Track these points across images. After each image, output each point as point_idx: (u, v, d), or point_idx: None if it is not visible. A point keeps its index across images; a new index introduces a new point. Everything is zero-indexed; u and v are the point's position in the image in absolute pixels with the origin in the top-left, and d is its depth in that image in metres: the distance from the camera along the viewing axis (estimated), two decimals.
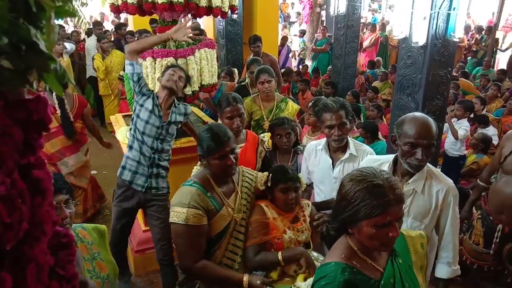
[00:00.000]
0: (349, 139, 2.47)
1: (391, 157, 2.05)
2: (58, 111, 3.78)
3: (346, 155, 2.41)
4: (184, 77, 2.82)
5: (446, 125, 4.43)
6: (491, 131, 5.12)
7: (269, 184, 2.13)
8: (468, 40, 10.93)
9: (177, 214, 1.88)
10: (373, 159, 2.18)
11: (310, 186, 2.70)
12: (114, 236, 2.91)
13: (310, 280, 1.83)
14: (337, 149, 2.45)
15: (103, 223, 4.22)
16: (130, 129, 2.84)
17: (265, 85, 3.48)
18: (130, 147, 2.81)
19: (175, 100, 2.86)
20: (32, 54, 0.44)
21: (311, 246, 2.11)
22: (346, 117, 2.36)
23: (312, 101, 3.29)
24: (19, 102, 0.46)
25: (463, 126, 4.71)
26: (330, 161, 2.47)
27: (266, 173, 2.20)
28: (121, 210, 2.86)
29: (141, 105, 2.73)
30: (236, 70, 5.44)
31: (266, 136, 3.15)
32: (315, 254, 2.02)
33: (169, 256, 2.84)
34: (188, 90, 3.30)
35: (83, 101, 4.11)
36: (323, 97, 3.76)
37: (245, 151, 2.70)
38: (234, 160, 1.99)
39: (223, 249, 2.00)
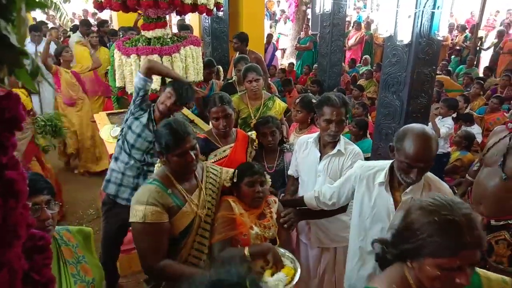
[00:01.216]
0: (341, 136, 2.49)
1: (386, 164, 1.98)
2: None
3: (334, 150, 2.42)
4: (179, 102, 2.60)
5: (430, 123, 4.47)
6: (475, 129, 5.20)
7: (235, 180, 2.09)
8: (452, 39, 11.08)
9: (136, 212, 1.82)
10: (367, 167, 2.06)
11: (297, 180, 2.71)
12: (106, 243, 2.81)
13: (277, 276, 1.84)
14: (327, 144, 2.46)
15: (87, 224, 4.17)
16: (118, 139, 2.70)
17: (253, 83, 3.46)
18: (116, 159, 2.68)
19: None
20: (3, 48, 0.42)
21: (277, 242, 2.09)
22: (345, 115, 2.39)
23: (299, 98, 3.29)
24: None
25: (446, 124, 4.77)
26: (319, 154, 2.48)
27: (232, 170, 2.17)
28: (109, 227, 2.75)
29: (136, 118, 2.62)
30: (221, 68, 5.41)
31: (253, 134, 3.14)
32: (282, 250, 2.01)
33: None
34: None
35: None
36: (310, 94, 3.75)
37: (235, 151, 2.71)
38: (194, 157, 1.90)
39: (188, 248, 1.93)
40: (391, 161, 1.94)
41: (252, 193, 2.04)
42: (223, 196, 2.11)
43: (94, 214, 4.36)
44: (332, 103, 2.34)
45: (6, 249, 0.44)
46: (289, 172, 2.78)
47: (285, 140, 3.04)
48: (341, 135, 2.48)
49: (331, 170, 2.42)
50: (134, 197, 1.90)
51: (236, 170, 2.13)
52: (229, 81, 4.72)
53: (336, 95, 2.41)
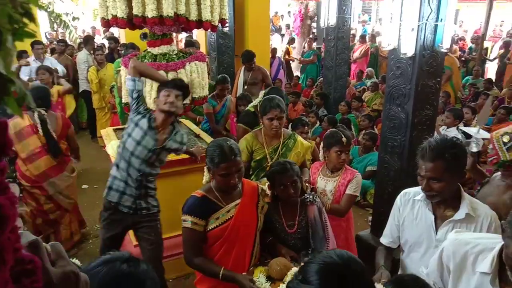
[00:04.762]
0: (464, 193, 1.87)
1: (495, 243, 1.49)
2: (40, 131, 3.63)
3: (461, 214, 1.81)
4: (180, 94, 2.61)
5: (435, 134, 4.45)
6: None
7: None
8: (460, 50, 11.05)
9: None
10: (465, 243, 1.56)
11: (389, 250, 2.12)
12: (106, 248, 2.81)
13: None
14: (442, 202, 1.89)
15: (90, 248, 4.16)
16: (118, 146, 2.71)
17: (274, 122, 2.82)
18: (117, 166, 2.66)
19: (175, 127, 2.71)
20: None
21: None
22: (448, 170, 1.75)
23: (324, 137, 2.88)
24: None
25: (452, 134, 4.75)
26: (432, 217, 1.90)
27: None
28: (108, 235, 2.76)
29: (136, 124, 2.58)
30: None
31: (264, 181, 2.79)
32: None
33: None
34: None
35: (67, 122, 3.99)
36: (333, 130, 3.04)
37: (241, 211, 2.15)
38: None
39: None
40: (499, 240, 1.46)
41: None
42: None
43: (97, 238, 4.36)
44: (423, 155, 1.80)
45: None
46: (385, 242, 2.15)
47: (304, 189, 2.42)
48: (463, 192, 1.88)
49: None
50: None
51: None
52: (249, 108, 4.16)
53: (434, 141, 1.81)
